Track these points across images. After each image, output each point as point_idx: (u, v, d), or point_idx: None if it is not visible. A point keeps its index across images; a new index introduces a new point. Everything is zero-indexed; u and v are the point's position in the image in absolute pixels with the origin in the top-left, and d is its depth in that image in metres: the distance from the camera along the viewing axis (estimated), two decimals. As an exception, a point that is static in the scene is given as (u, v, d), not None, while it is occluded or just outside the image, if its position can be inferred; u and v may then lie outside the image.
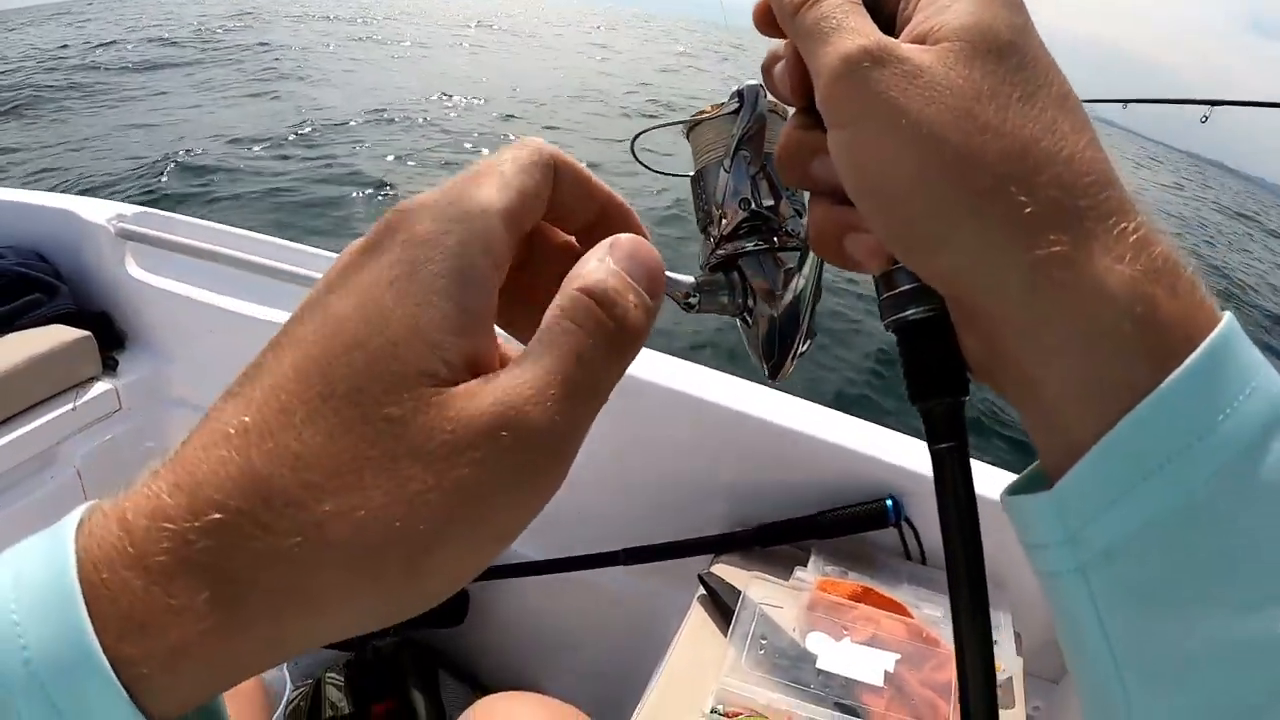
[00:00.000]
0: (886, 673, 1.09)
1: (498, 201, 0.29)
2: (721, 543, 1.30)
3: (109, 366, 1.63)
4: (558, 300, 0.29)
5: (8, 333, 1.52)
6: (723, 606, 1.16)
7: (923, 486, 1.27)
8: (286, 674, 1.52)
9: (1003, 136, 0.29)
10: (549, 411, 0.27)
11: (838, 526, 1.26)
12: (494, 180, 0.30)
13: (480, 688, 1.56)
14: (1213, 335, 0.28)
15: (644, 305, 0.30)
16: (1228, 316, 0.29)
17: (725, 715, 1.01)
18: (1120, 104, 5.13)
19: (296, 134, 9.38)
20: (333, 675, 1.47)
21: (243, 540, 0.25)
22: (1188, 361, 0.28)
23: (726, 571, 1.23)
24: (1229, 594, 0.28)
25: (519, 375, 0.27)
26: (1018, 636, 1.20)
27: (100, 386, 1.60)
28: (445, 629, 1.58)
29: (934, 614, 1.19)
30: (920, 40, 0.31)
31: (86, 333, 1.57)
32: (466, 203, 0.29)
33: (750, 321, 0.51)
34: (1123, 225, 0.29)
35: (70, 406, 1.54)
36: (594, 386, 0.29)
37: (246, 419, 0.27)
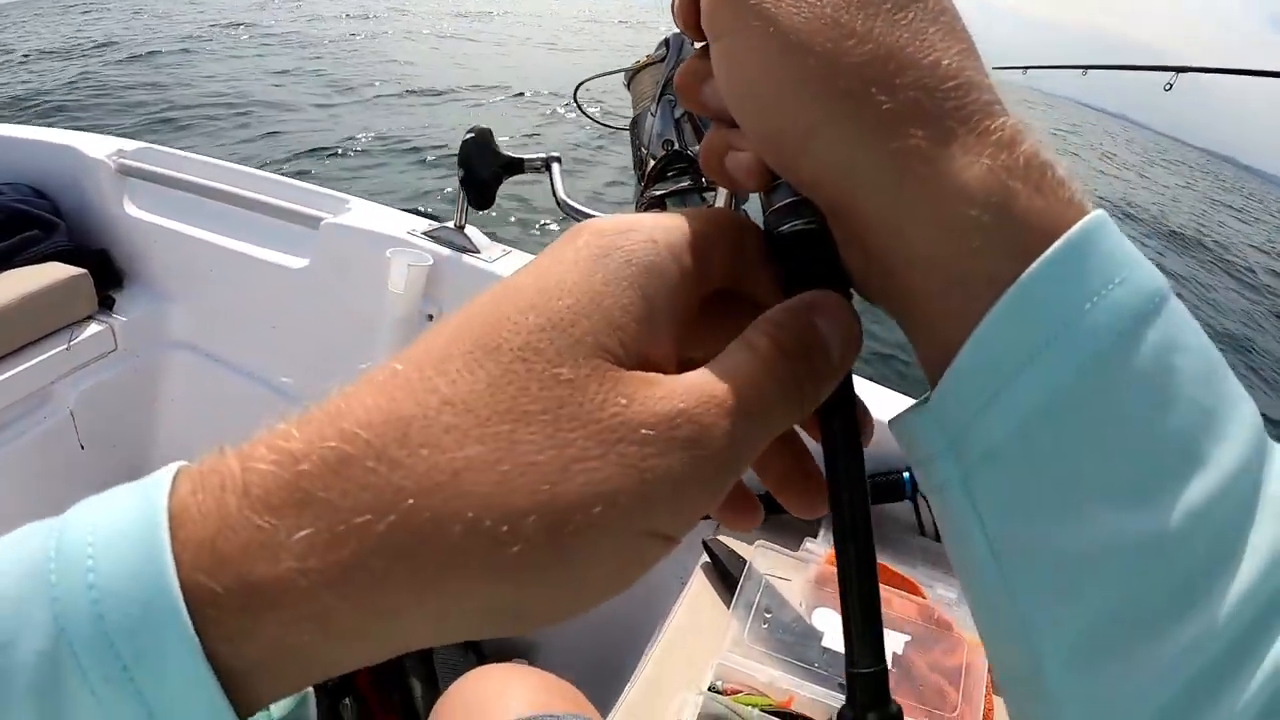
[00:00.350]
0: (894, 654, 1.05)
1: (693, 228, 0.29)
2: (728, 510, 1.24)
3: (106, 306, 1.59)
4: (769, 319, 0.29)
5: (3, 270, 1.48)
6: (726, 575, 1.11)
7: None
8: None
9: (866, 42, 0.28)
10: (730, 423, 0.26)
11: (850, 498, 1.20)
12: (688, 218, 0.29)
13: (475, 652, 1.52)
14: (1075, 227, 0.28)
15: (841, 363, 0.30)
16: (1097, 212, 0.28)
17: (723, 692, 0.96)
18: (1080, 70, 5.00)
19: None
20: None
21: (365, 476, 0.22)
22: (1047, 252, 0.27)
23: (732, 539, 1.17)
24: (1113, 490, 0.27)
25: (708, 378, 0.26)
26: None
27: (96, 326, 1.56)
28: None
29: (948, 595, 1.13)
30: None
31: (83, 270, 1.52)
32: (664, 220, 0.28)
33: None
34: (985, 124, 0.28)
35: (65, 346, 1.50)
36: (773, 418, 0.28)
37: (398, 366, 0.25)
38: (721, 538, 1.17)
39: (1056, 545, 0.28)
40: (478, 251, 1.40)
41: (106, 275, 1.61)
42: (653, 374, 0.26)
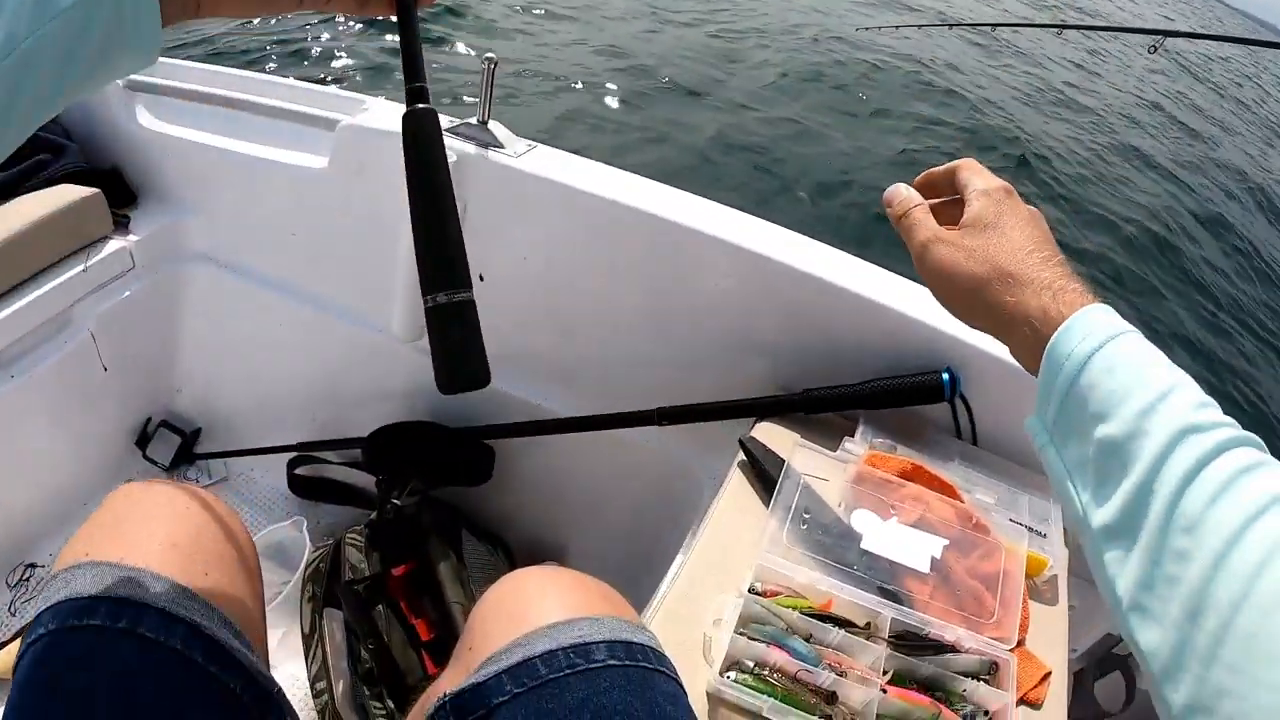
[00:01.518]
0: (933, 558, 1.03)
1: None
2: (764, 407, 1.22)
3: (121, 224, 1.55)
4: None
5: (15, 195, 1.44)
6: (764, 475, 1.08)
7: (982, 362, 1.17)
8: (306, 534, 1.48)
9: (984, 263, 0.69)
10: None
11: (889, 397, 1.17)
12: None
13: (504, 548, 1.52)
14: (1061, 326, 0.62)
15: None
16: (1077, 311, 0.62)
17: (763, 594, 0.94)
18: (1056, 30, 4.80)
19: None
20: (353, 536, 1.43)
21: None
22: (1053, 335, 0.62)
23: (769, 438, 1.15)
24: (1105, 425, 0.57)
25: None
26: (1066, 533, 1.13)
27: (112, 245, 1.51)
28: (470, 487, 1.54)
29: (985, 500, 1.11)
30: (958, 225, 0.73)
31: (95, 190, 1.47)
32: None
33: None
34: (1044, 285, 0.65)
35: (81, 268, 1.47)
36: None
37: None
38: (757, 435, 1.15)
39: (1087, 452, 0.59)
40: (502, 146, 1.35)
41: (120, 193, 1.56)
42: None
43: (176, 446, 1.65)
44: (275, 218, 1.54)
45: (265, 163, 1.49)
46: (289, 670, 1.45)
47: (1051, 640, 1.05)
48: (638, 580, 1.49)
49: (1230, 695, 0.44)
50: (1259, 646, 0.44)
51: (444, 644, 1.33)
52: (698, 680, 0.87)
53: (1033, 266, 0.66)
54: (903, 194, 0.77)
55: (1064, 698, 1.01)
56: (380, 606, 1.34)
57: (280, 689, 0.75)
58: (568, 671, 0.68)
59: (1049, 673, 1.01)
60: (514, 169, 1.33)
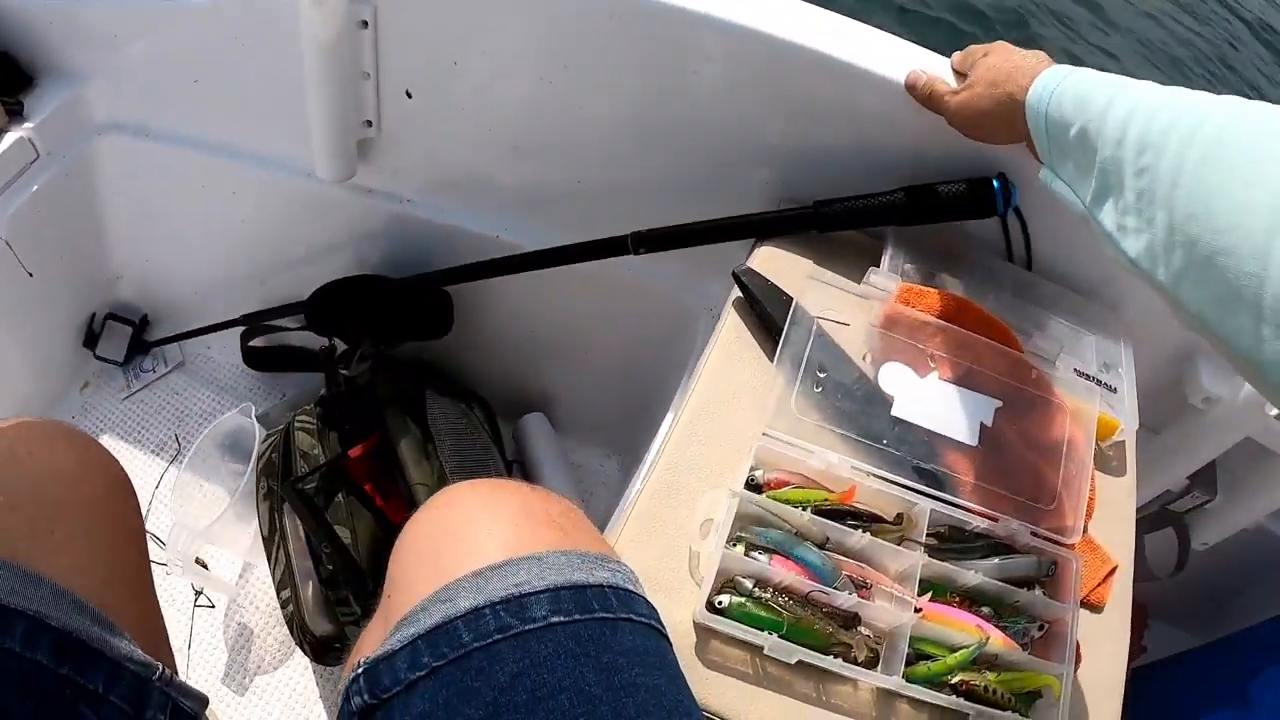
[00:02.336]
0: (982, 426, 0.80)
1: None
2: (765, 224, 0.94)
3: (14, 114, 1.25)
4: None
5: None
6: (765, 318, 0.83)
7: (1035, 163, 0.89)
8: (255, 421, 1.23)
9: (981, 90, 0.81)
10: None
11: (926, 208, 0.90)
12: None
13: (480, 404, 1.28)
14: (1029, 89, 0.73)
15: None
16: (1038, 75, 0.73)
17: (766, 485, 0.71)
18: None
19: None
20: (303, 419, 1.17)
21: None
22: (1025, 98, 0.73)
23: (771, 266, 0.88)
24: (1076, 131, 0.66)
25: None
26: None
27: (9, 138, 1.23)
28: (429, 341, 1.28)
29: (1047, 347, 0.87)
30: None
31: None
32: None
33: None
34: (1017, 72, 0.76)
35: None
36: None
37: None
38: (756, 265, 0.88)
39: (1082, 166, 0.67)
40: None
41: (12, 79, 1.26)
42: None
43: (128, 339, 1.44)
44: (174, 67, 1.24)
45: (149, 10, 1.14)
46: (260, 573, 1.29)
47: (1117, 520, 0.85)
48: (631, 436, 1.28)
49: (1197, 241, 0.54)
50: (1202, 189, 0.54)
51: None
52: (682, 607, 0.66)
53: (1008, 71, 0.78)
54: (923, 77, 0.89)
55: (1129, 595, 0.82)
56: (340, 495, 1.11)
57: (165, 671, 0.57)
58: (497, 637, 0.49)
59: (1114, 568, 0.81)
60: None
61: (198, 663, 1.22)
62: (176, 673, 0.60)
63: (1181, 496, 1.14)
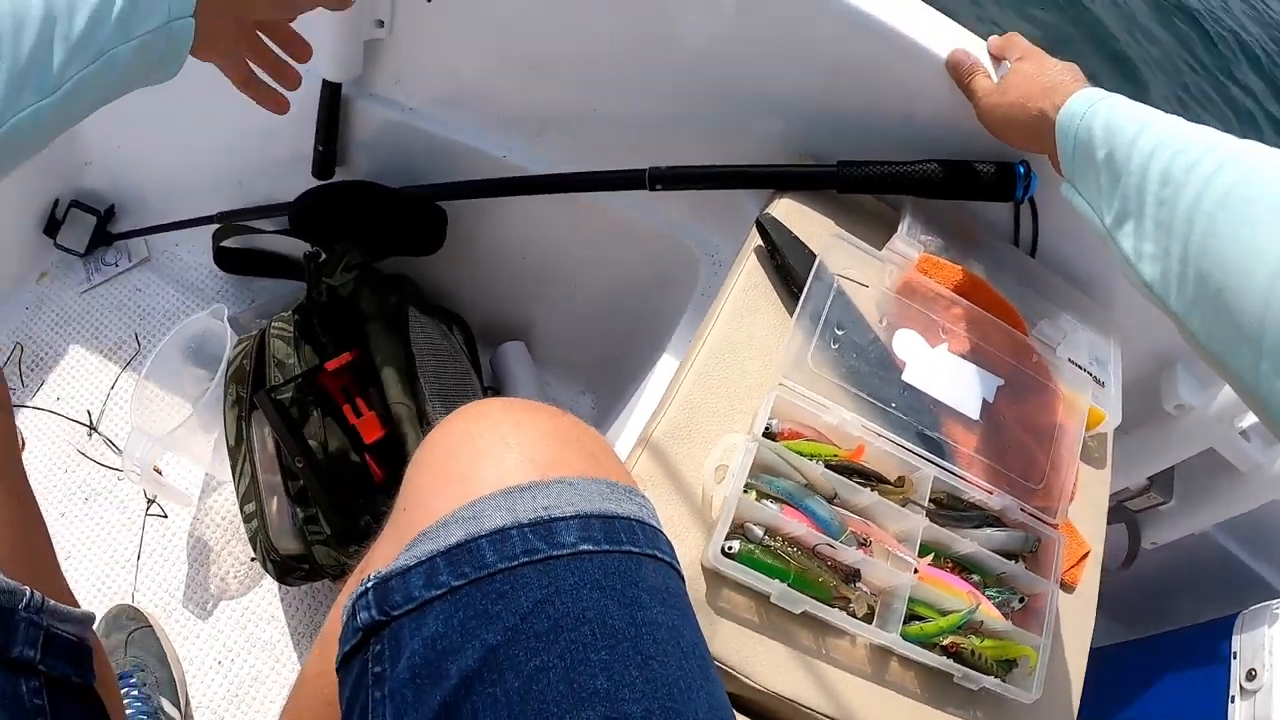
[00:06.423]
0: (984, 402, 0.81)
1: None
2: (788, 176, 0.93)
3: None
4: None
5: None
6: (785, 269, 0.82)
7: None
8: (227, 325, 1.16)
9: (1013, 98, 0.82)
10: None
11: (950, 183, 0.90)
12: None
13: (460, 326, 1.24)
14: (1061, 108, 0.75)
15: None
16: (1072, 95, 0.75)
17: (780, 435, 0.71)
18: None
19: None
20: (279, 326, 1.09)
21: None
22: (1057, 116, 0.75)
23: (793, 221, 0.88)
24: (1104, 155, 0.69)
25: None
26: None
27: None
28: (417, 256, 1.23)
29: (1051, 334, 0.88)
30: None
31: None
32: None
33: None
34: (1051, 90, 0.78)
35: None
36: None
37: None
38: (776, 214, 0.87)
39: (1097, 179, 0.71)
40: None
41: None
42: None
43: (92, 229, 1.34)
44: None
45: None
46: (223, 487, 1.24)
47: (1093, 508, 0.88)
48: (610, 375, 1.23)
49: (1208, 277, 0.58)
50: (1216, 230, 0.58)
51: (392, 446, 1.08)
52: (689, 546, 0.65)
53: (1043, 87, 0.80)
54: (967, 60, 0.90)
55: (1096, 580, 0.84)
56: (314, 411, 1.06)
57: (34, 596, 0.51)
58: (523, 560, 0.47)
59: (1087, 553, 0.84)
60: None
61: (147, 577, 1.15)
62: (69, 596, 0.56)
63: (1138, 495, 1.18)
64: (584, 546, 0.48)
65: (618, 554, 0.49)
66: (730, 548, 0.65)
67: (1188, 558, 1.23)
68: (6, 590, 0.49)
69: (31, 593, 0.50)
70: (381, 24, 1.08)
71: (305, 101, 1.19)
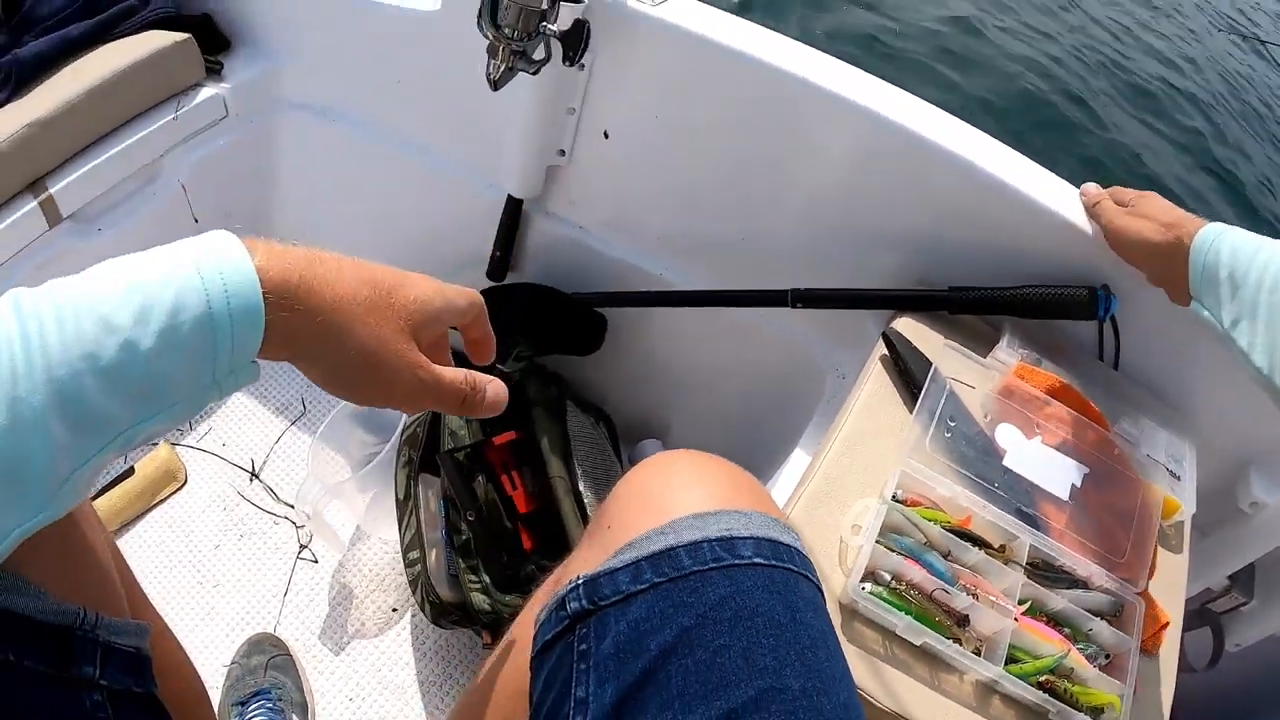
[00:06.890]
0: (1073, 486, 0.96)
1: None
2: (907, 299, 1.12)
3: (214, 71, 1.41)
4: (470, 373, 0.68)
5: (102, 44, 1.31)
6: (906, 373, 1.00)
7: (1133, 285, 1.06)
8: None
9: (1147, 223, 0.99)
10: (433, 391, 0.63)
11: (1043, 305, 1.07)
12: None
13: (606, 422, 1.44)
14: (1195, 237, 0.93)
15: (488, 407, 0.68)
16: (1200, 229, 0.94)
17: (904, 502, 0.88)
18: None
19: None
20: None
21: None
22: (1191, 244, 0.93)
23: (910, 334, 1.06)
24: (1229, 273, 0.89)
25: (439, 369, 0.64)
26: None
27: (205, 93, 1.39)
28: (578, 355, 1.44)
29: (1131, 431, 1.04)
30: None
31: (187, 35, 1.35)
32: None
33: None
34: (1181, 224, 0.95)
35: (172, 116, 1.34)
36: (447, 407, 0.66)
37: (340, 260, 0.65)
38: (900, 328, 1.06)
39: (1223, 295, 0.90)
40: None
41: (212, 39, 1.44)
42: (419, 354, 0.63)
43: None
44: (380, 64, 1.39)
45: (371, 4, 1.33)
46: (380, 533, 1.41)
47: (1171, 588, 1.01)
48: (749, 468, 1.41)
49: None
50: None
51: (542, 518, 1.26)
52: (828, 587, 0.82)
53: (1179, 218, 0.96)
54: (1093, 189, 1.09)
55: (1176, 649, 0.97)
56: (480, 477, 1.27)
57: (90, 614, 0.54)
58: (712, 565, 0.61)
59: (1167, 623, 0.97)
60: (648, 17, 1.16)
61: (291, 612, 1.31)
62: (124, 611, 0.59)
63: (1221, 596, 1.27)
64: (758, 559, 0.62)
65: (782, 569, 0.63)
66: (864, 588, 0.81)
67: (1269, 663, 1.29)
68: (60, 611, 0.52)
69: (84, 611, 0.53)
70: (563, 153, 1.32)
71: (484, 210, 1.41)
